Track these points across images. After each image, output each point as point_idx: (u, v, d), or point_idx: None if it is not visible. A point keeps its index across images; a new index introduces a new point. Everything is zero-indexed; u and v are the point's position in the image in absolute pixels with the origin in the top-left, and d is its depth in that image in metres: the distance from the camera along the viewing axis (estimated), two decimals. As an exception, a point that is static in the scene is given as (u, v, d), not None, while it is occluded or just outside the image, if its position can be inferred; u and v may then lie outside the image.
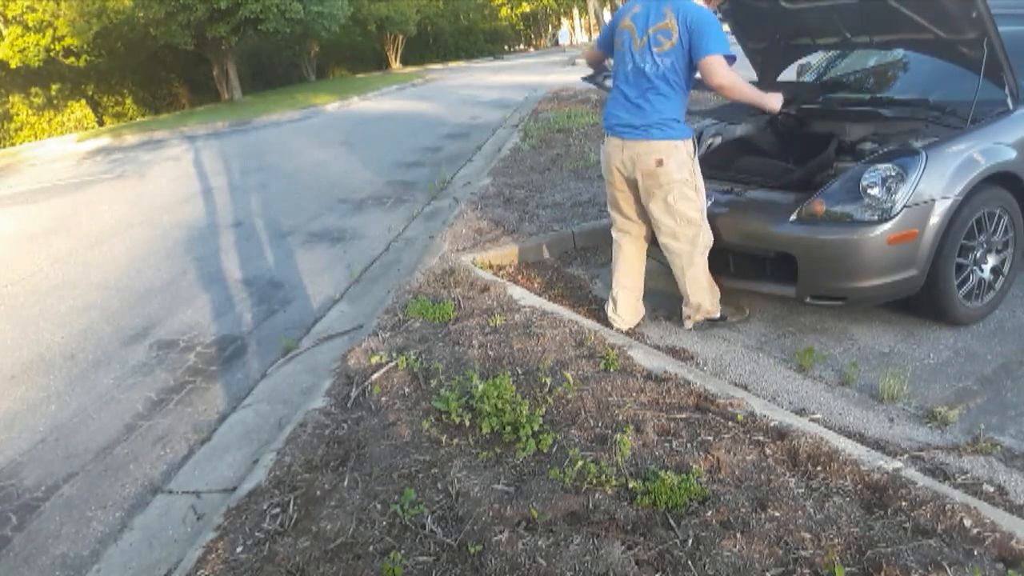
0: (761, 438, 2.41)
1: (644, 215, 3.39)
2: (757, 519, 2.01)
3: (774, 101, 3.29)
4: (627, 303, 3.58)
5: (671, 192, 3.19)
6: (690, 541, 1.96)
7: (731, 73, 3.04)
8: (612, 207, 3.53)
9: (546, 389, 2.77)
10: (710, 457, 2.31)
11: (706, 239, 3.32)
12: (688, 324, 3.56)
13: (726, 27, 3.69)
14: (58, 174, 11.78)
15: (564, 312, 3.61)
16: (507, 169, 7.02)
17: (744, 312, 3.66)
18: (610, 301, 3.62)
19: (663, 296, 3.96)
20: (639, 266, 3.57)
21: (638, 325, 3.65)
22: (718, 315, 3.52)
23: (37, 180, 11.48)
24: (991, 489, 2.26)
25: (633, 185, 3.32)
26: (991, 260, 3.29)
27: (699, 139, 4.18)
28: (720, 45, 2.99)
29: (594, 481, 2.22)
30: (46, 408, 3.71)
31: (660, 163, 3.16)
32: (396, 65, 31.50)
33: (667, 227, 3.28)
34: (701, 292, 3.40)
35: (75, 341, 4.50)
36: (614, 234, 3.59)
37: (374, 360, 3.21)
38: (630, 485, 2.19)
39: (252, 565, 2.10)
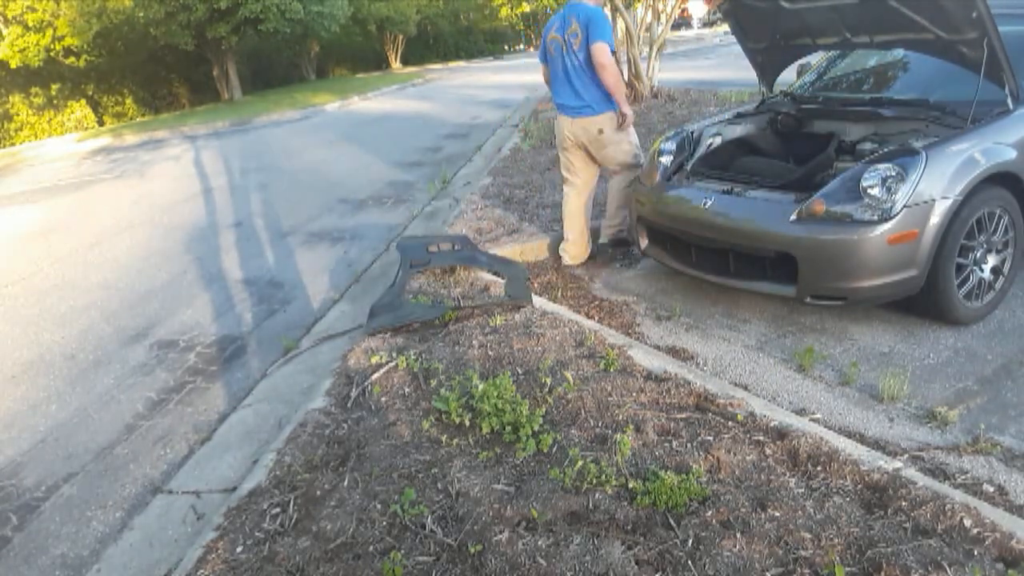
0: (761, 438, 2.41)
1: (586, 172, 4.43)
2: (757, 519, 2.01)
3: (627, 109, 4.16)
4: (576, 243, 4.52)
5: (610, 147, 4.23)
6: (690, 541, 1.96)
7: (612, 60, 3.99)
8: (563, 169, 4.52)
9: (546, 389, 2.77)
10: (710, 457, 2.31)
11: (638, 162, 4.27)
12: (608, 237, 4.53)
13: (726, 26, 3.75)
14: (58, 174, 11.79)
15: (564, 312, 3.61)
16: (507, 169, 7.02)
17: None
18: (563, 241, 4.58)
19: (663, 296, 3.97)
20: (583, 212, 4.49)
21: (639, 324, 3.65)
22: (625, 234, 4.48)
23: (37, 180, 11.49)
24: (991, 489, 2.26)
25: (582, 147, 4.31)
26: (991, 260, 3.29)
27: (699, 139, 4.18)
28: (604, 35, 3.95)
29: (594, 481, 2.22)
30: (46, 408, 3.71)
31: (600, 131, 4.18)
32: (396, 65, 31.49)
33: (614, 168, 4.35)
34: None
35: (75, 341, 4.50)
36: (565, 188, 4.54)
37: (374, 360, 3.21)
38: (630, 485, 2.19)
39: (252, 565, 2.09)
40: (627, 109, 4.17)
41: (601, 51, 3.92)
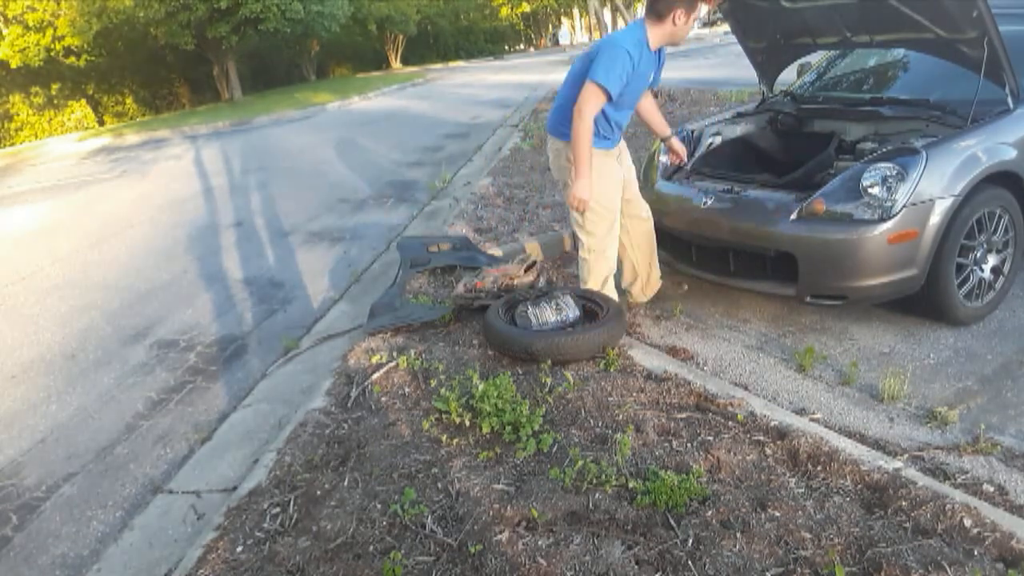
0: (761, 438, 2.41)
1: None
2: (757, 519, 2.01)
3: (582, 188, 3.03)
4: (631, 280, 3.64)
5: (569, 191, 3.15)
6: (690, 541, 1.96)
7: (589, 111, 2.92)
8: None
9: (546, 389, 2.77)
10: (710, 457, 2.31)
11: (602, 268, 3.30)
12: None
13: (726, 26, 3.69)
14: (59, 174, 11.79)
15: (564, 312, 3.60)
16: (507, 169, 7.02)
17: (683, 287, 3.90)
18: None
19: (662, 296, 3.96)
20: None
21: (639, 324, 3.65)
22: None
23: (38, 180, 11.49)
24: (991, 489, 2.26)
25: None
26: (991, 260, 3.29)
27: (699, 138, 4.18)
28: (599, 74, 2.88)
29: (594, 481, 2.22)
30: (46, 408, 3.71)
31: (569, 160, 3.12)
32: (396, 65, 31.52)
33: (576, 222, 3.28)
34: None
35: (75, 341, 4.50)
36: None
37: (374, 360, 3.21)
38: (630, 485, 2.19)
39: (252, 565, 2.10)
40: (581, 190, 3.04)
41: (586, 93, 2.91)
